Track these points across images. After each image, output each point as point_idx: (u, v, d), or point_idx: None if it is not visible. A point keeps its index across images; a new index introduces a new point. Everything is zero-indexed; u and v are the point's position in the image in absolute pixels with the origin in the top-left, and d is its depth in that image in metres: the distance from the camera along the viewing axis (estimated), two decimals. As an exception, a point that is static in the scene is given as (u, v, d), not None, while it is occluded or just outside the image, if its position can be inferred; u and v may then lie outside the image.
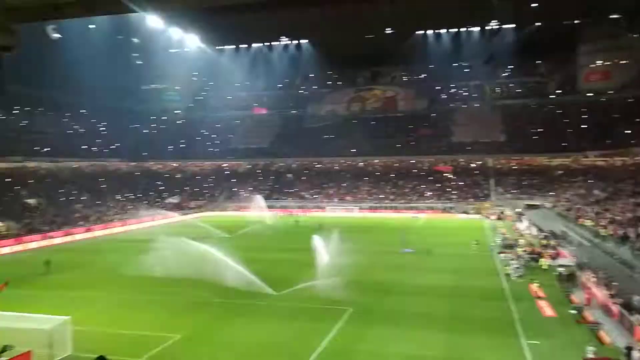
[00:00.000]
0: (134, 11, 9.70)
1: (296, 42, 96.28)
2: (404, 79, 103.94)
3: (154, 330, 21.98)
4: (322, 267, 31.63)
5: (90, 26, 75.11)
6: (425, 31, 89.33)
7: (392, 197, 79.56)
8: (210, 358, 19.10)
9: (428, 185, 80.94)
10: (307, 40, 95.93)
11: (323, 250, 34.18)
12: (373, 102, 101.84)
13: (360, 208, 76.77)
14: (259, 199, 69.20)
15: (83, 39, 73.69)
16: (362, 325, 22.58)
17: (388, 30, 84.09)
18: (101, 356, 10.02)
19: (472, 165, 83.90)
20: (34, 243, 47.66)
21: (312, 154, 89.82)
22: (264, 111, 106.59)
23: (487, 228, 58.06)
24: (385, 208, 76.24)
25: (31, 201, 60.98)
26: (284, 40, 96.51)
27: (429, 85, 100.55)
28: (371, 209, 76.24)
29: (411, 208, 74.94)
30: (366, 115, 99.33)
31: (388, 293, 28.44)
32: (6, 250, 44.67)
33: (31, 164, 70.27)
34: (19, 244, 46.80)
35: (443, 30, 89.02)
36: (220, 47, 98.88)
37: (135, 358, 18.63)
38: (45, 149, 74.76)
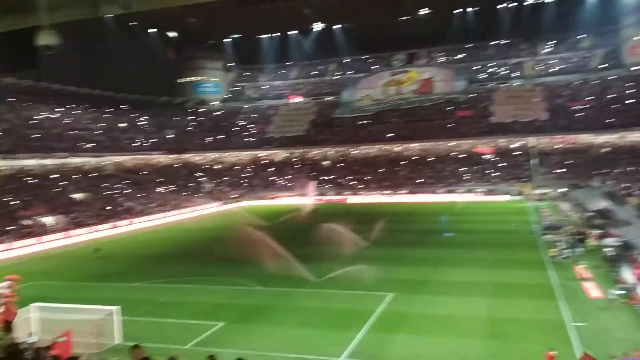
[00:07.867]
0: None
1: (330, 27, 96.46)
2: (441, 59, 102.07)
3: (197, 318, 22.51)
4: (358, 253, 31.93)
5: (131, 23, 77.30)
6: (465, 9, 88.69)
7: (431, 181, 78.65)
8: (252, 345, 19.00)
9: (468, 168, 79.57)
10: (340, 25, 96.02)
11: (351, 236, 34.69)
12: (409, 85, 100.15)
13: (397, 193, 76.27)
14: (310, 186, 70.31)
15: (119, 36, 75.91)
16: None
17: (424, 11, 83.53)
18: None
19: (513, 146, 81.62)
20: (82, 237, 49.62)
21: (348, 140, 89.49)
22: (299, 99, 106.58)
23: (530, 210, 56.68)
24: (424, 192, 75.25)
25: (77, 196, 63.16)
26: (317, 26, 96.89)
27: (467, 66, 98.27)
28: (411, 192, 75.57)
29: (451, 191, 74.08)
30: (403, 98, 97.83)
31: (424, 285, 27.42)
32: (55, 244, 46.56)
33: (76, 160, 72.49)
34: (66, 237, 48.67)
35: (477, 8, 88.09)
36: (257, 37, 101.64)
37: (180, 345, 19.11)
38: (90, 145, 76.72)
